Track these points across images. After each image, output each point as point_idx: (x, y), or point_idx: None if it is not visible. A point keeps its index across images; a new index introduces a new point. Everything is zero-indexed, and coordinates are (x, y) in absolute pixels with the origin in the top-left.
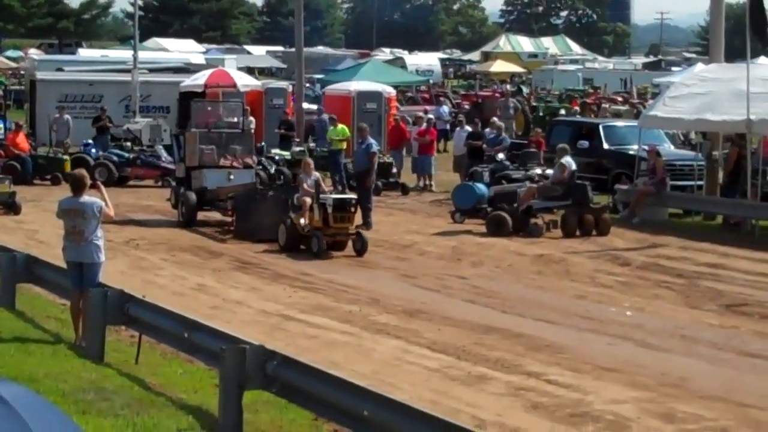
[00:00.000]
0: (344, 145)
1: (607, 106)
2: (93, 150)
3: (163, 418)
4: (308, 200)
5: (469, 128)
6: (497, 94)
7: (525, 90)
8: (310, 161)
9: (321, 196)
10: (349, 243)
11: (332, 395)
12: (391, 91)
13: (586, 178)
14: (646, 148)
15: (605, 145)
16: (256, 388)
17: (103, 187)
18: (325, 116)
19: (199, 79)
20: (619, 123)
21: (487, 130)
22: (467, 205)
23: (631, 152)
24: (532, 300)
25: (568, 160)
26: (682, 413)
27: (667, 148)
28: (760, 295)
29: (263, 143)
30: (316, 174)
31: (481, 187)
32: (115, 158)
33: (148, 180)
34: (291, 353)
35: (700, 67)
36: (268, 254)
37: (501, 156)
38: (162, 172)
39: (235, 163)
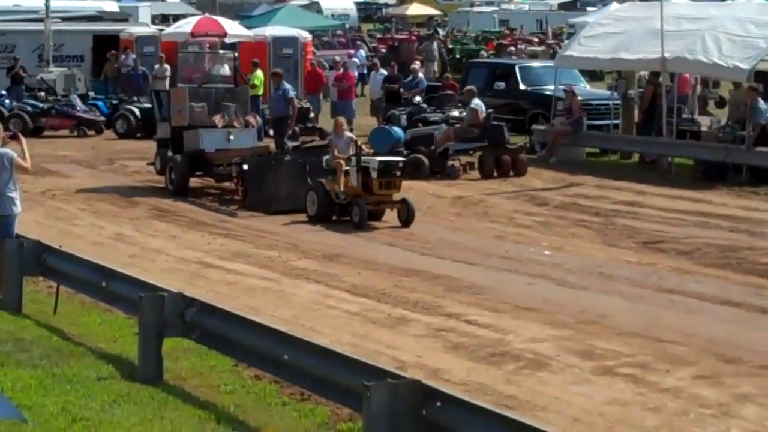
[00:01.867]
0: (261, 91)
1: (523, 47)
2: (7, 101)
3: (82, 368)
4: (342, 164)
5: (384, 72)
6: (413, 37)
7: (441, 32)
8: (343, 120)
9: (363, 158)
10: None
11: (252, 341)
12: (307, 36)
13: (503, 119)
14: (562, 87)
15: (522, 86)
16: (175, 336)
17: (23, 140)
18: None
19: (183, 27)
20: (535, 64)
21: (411, 77)
22: (384, 148)
23: (547, 92)
24: (451, 241)
25: (478, 102)
26: (600, 350)
27: (583, 88)
28: (676, 231)
29: None
30: (350, 133)
31: (397, 131)
32: (29, 108)
33: (63, 130)
34: (210, 300)
35: (614, 6)
36: (184, 202)
37: (418, 99)
38: (77, 122)
39: (235, 123)
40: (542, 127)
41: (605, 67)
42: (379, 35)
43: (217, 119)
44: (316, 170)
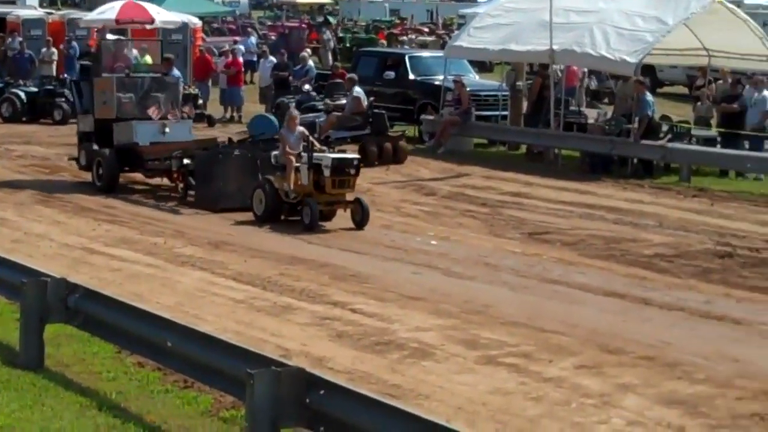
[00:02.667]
0: None
1: (413, 37)
2: None
3: None
4: (293, 160)
5: (273, 59)
6: (304, 25)
7: (332, 21)
8: (296, 114)
9: (315, 155)
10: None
11: (135, 327)
12: (196, 22)
13: (393, 109)
14: (451, 78)
15: (411, 76)
16: (57, 322)
17: None
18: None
19: (106, 13)
20: (425, 54)
21: (300, 65)
22: (264, 136)
23: (436, 82)
24: (337, 230)
25: (359, 91)
26: (485, 339)
27: (472, 78)
28: (561, 223)
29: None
30: (302, 129)
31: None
32: None
33: None
34: (94, 286)
35: None
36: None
37: (307, 87)
38: None
39: (170, 115)
40: (431, 117)
41: (494, 58)
42: (269, 22)
43: (152, 111)
44: (266, 166)
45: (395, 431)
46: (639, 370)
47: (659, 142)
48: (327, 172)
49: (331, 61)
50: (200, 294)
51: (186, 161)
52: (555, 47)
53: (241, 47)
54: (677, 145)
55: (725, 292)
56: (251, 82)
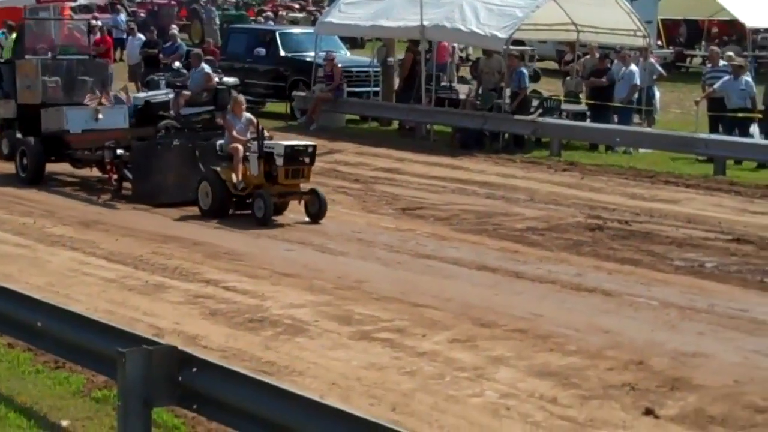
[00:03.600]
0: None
1: (284, 13)
2: None
3: None
4: (241, 149)
5: (142, 36)
6: (173, 2)
7: None
8: (242, 99)
9: (266, 142)
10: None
11: (4, 308)
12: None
13: (264, 86)
14: (323, 54)
15: (282, 52)
16: None
17: None
18: None
19: None
20: (296, 30)
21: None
22: None
23: (308, 59)
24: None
25: (207, 67)
26: (358, 315)
27: (344, 55)
28: (434, 198)
29: None
30: (249, 115)
31: (138, 96)
32: None
33: None
34: None
35: None
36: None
37: (177, 64)
38: None
39: (104, 100)
40: (302, 94)
41: (365, 34)
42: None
43: (88, 97)
44: (207, 156)
45: (269, 408)
46: (511, 343)
47: (530, 117)
48: (279, 161)
49: (220, 40)
50: (71, 274)
51: (120, 151)
52: (425, 23)
53: (99, 23)
54: (548, 119)
55: (596, 265)
56: (120, 59)
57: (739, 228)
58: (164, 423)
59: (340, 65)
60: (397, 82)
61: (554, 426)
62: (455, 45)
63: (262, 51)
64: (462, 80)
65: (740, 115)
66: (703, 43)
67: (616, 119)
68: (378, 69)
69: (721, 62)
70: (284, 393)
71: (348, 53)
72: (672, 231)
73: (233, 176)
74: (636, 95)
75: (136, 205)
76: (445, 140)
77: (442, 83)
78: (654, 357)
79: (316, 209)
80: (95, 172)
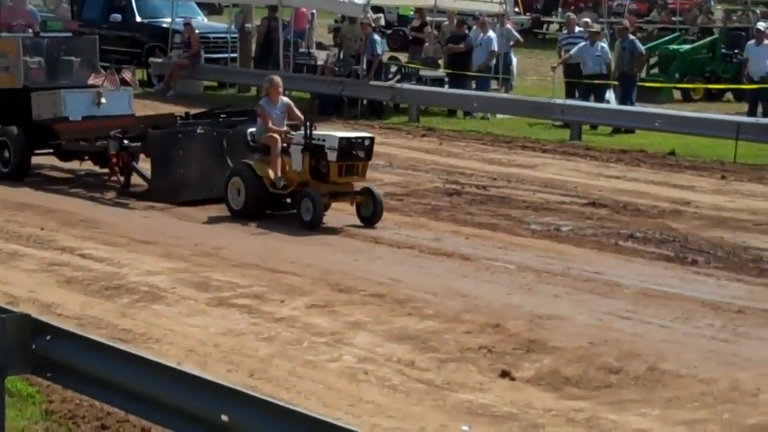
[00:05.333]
0: None
1: None
2: None
3: None
4: (279, 140)
5: None
6: None
7: None
8: (278, 80)
9: (316, 133)
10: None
11: None
12: None
13: (120, 52)
14: (180, 20)
15: (138, 18)
16: None
17: None
18: None
19: None
20: None
21: None
22: None
23: (164, 25)
24: (66, 177)
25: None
26: (216, 281)
27: (201, 21)
28: None
29: None
30: (286, 99)
31: None
32: None
33: None
34: None
35: None
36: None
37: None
38: None
39: (107, 82)
40: (159, 60)
41: (223, 0)
42: None
43: (92, 77)
44: (234, 146)
45: (125, 375)
46: (369, 308)
47: (388, 83)
48: (332, 156)
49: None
50: None
51: (126, 142)
52: None
53: None
54: (406, 85)
55: (454, 229)
56: None
57: (594, 192)
58: (18, 392)
59: (197, 31)
60: (254, 48)
61: (411, 389)
62: (314, 11)
63: (117, 17)
64: (320, 46)
65: (596, 81)
66: (560, 9)
67: (473, 85)
68: (236, 35)
69: (577, 29)
70: (140, 360)
71: (205, 19)
72: (529, 195)
73: (271, 172)
74: (494, 61)
75: (154, 203)
76: (303, 106)
77: (301, 49)
78: (510, 320)
79: (371, 212)
80: (86, 165)
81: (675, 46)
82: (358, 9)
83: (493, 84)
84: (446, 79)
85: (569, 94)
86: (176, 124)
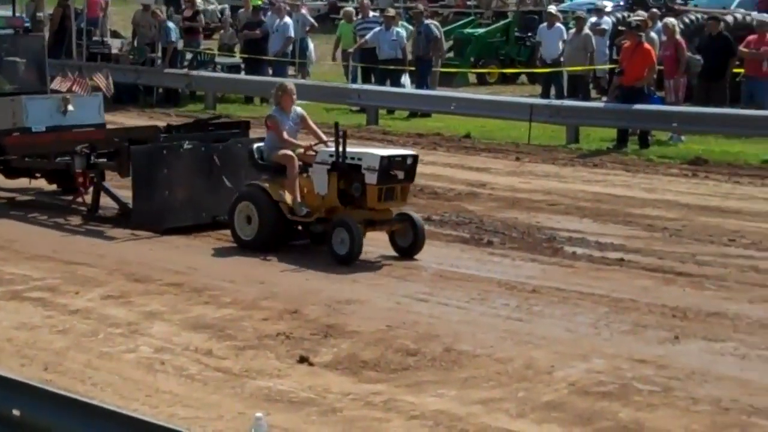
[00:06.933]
0: None
1: None
2: None
3: None
4: (295, 157)
5: None
6: None
7: None
8: (292, 87)
9: (348, 150)
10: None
11: None
12: None
13: None
14: None
15: None
16: None
17: None
18: None
19: None
20: None
21: None
22: None
23: None
24: None
25: None
26: (9, 275)
27: None
28: None
29: None
30: (299, 109)
31: None
32: None
33: None
34: None
35: None
36: None
37: None
38: None
39: (75, 86)
40: None
41: None
42: None
43: (58, 82)
44: (227, 164)
45: None
46: (166, 297)
47: (183, 71)
48: (372, 178)
49: None
50: None
51: (94, 158)
52: None
53: None
54: (202, 72)
55: None
56: None
57: None
58: None
59: None
60: (47, 37)
61: (209, 378)
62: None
63: None
64: (115, 35)
65: (391, 67)
66: None
67: (270, 71)
68: (28, 23)
69: (372, 13)
70: None
71: None
72: None
73: (288, 196)
74: (290, 47)
75: (135, 231)
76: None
77: (94, 38)
78: (309, 305)
79: (410, 241)
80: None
81: (469, 30)
82: None
83: (290, 70)
84: (243, 66)
85: (365, 79)
86: (159, 139)
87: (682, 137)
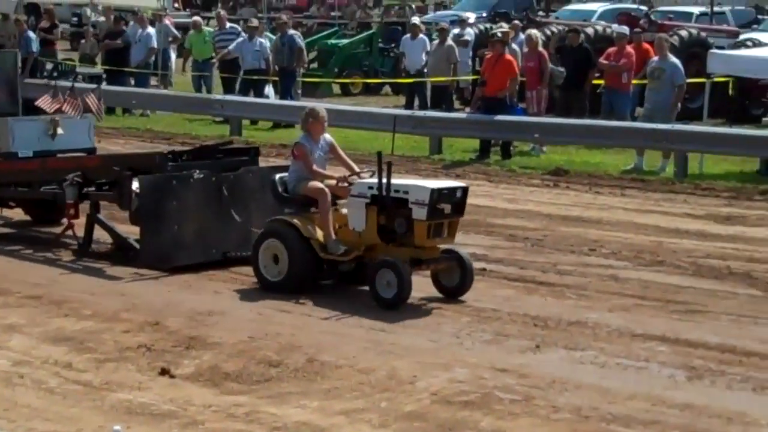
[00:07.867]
0: None
1: None
2: None
3: None
4: (327, 190)
5: None
6: None
7: None
8: (324, 114)
9: (394, 182)
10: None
11: None
12: None
13: None
14: None
15: None
16: None
17: None
18: None
19: None
20: None
21: None
22: None
23: None
24: None
25: None
26: None
27: None
28: None
29: None
30: (329, 137)
31: None
32: None
33: None
34: None
35: None
36: None
37: None
38: None
39: (65, 106)
40: None
41: None
42: None
43: (46, 102)
44: (237, 195)
45: None
46: (25, 310)
47: (43, 81)
48: (420, 213)
49: None
50: None
51: (86, 188)
52: None
53: None
54: (61, 82)
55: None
56: None
57: None
58: None
59: None
60: None
61: (69, 391)
62: None
63: None
64: None
65: (254, 77)
66: (220, 5)
67: (132, 82)
68: None
69: (229, 25)
70: None
71: None
72: None
73: (320, 233)
74: (153, 58)
75: (141, 270)
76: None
77: None
78: (170, 317)
79: (457, 282)
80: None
81: (333, 41)
82: (11, 6)
83: (152, 81)
84: (104, 76)
85: (228, 89)
86: (166, 167)
87: (544, 148)
